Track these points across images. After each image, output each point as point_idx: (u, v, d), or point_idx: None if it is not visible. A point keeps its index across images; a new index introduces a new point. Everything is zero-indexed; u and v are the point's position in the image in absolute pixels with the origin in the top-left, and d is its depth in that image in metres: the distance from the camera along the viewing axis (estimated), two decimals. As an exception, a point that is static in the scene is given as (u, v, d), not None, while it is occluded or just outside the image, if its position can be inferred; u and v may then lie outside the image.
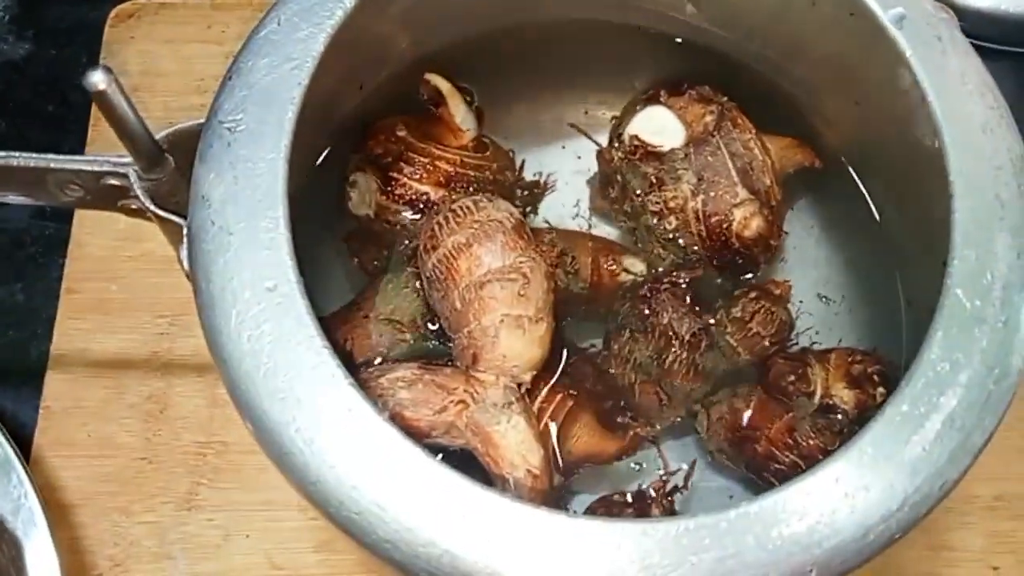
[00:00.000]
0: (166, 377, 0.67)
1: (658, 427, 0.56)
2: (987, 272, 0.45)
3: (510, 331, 0.51)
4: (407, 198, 0.58)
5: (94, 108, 0.74)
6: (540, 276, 0.53)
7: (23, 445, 0.64)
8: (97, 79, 0.45)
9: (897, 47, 0.51)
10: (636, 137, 0.60)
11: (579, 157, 0.65)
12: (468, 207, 0.54)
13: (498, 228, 0.53)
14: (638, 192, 0.59)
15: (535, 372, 0.53)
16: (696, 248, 0.58)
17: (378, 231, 0.59)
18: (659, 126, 0.60)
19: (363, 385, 0.50)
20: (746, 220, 0.56)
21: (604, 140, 0.64)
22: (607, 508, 0.55)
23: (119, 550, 0.63)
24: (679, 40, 0.64)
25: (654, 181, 0.59)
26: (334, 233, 0.61)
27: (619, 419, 0.56)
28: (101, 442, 0.65)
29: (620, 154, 0.61)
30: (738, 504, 0.41)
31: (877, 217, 0.59)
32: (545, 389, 0.54)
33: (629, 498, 0.54)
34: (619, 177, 0.61)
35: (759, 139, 0.59)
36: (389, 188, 0.58)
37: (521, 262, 0.52)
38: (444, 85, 0.62)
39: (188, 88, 0.75)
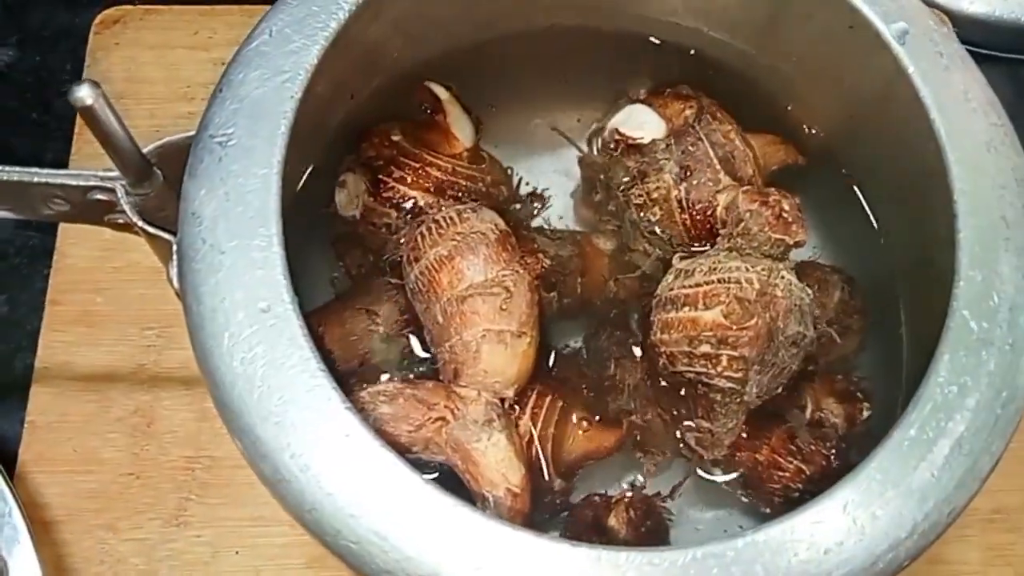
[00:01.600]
0: (153, 391, 0.64)
1: (668, 454, 0.54)
2: (993, 293, 0.44)
3: (492, 346, 0.50)
4: (394, 201, 0.56)
5: (79, 116, 0.71)
6: (523, 289, 0.52)
7: (7, 460, 0.62)
8: (84, 94, 0.43)
9: (899, 63, 0.50)
10: (616, 131, 0.58)
11: (568, 167, 0.63)
12: (451, 218, 0.52)
13: (481, 240, 0.52)
14: (621, 187, 0.58)
15: (518, 387, 0.52)
16: (681, 239, 0.56)
17: (363, 234, 0.57)
18: (639, 122, 0.59)
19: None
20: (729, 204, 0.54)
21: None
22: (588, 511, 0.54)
23: (105, 567, 0.60)
24: (669, 45, 0.63)
25: (636, 174, 0.57)
26: (322, 237, 0.59)
27: (610, 406, 0.55)
28: (86, 457, 0.63)
29: (601, 150, 0.59)
30: (746, 533, 0.40)
31: (878, 231, 0.58)
32: (534, 395, 0.52)
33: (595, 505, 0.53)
34: (601, 176, 0.59)
35: (740, 133, 0.57)
36: (377, 190, 0.57)
37: (504, 276, 0.51)
38: (442, 93, 0.60)
39: (174, 95, 0.72)
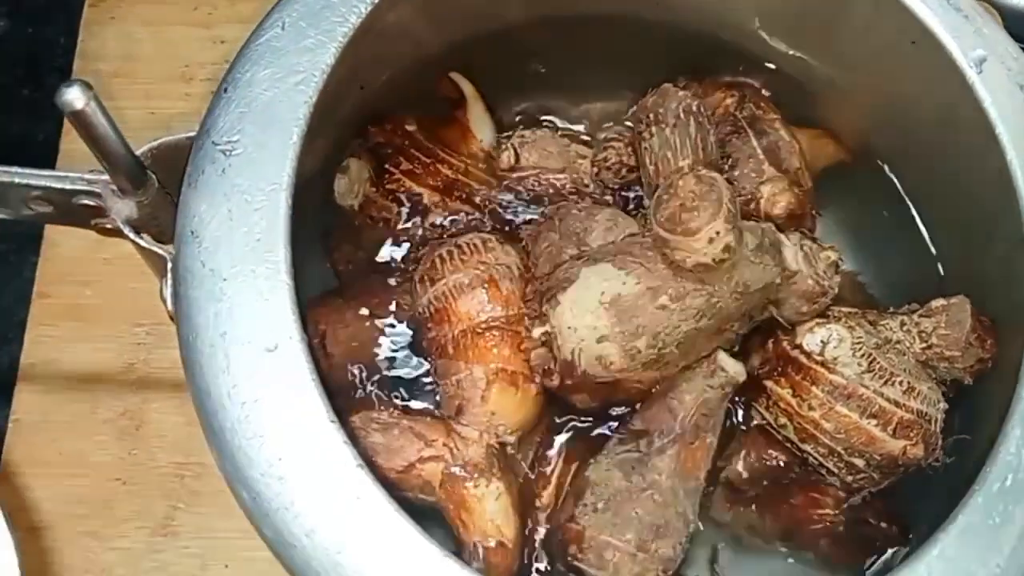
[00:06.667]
0: (142, 391, 0.58)
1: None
2: (1072, 359, 0.39)
3: (503, 387, 0.44)
4: (397, 194, 0.50)
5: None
6: None
7: (-7, 454, 0.56)
8: (73, 96, 0.36)
9: (973, 92, 0.43)
10: None
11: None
12: (476, 245, 0.46)
13: (506, 274, 0.46)
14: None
15: (521, 434, 0.46)
16: None
17: (359, 226, 0.51)
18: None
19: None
20: (774, 196, 0.49)
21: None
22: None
23: (90, 578, 0.55)
24: (719, 43, 0.55)
25: None
26: (321, 226, 0.52)
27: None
28: (73, 460, 0.57)
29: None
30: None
31: (936, 259, 0.52)
32: (560, 460, 0.46)
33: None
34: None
35: (785, 124, 0.52)
36: (381, 180, 0.50)
37: (525, 314, 0.45)
38: (467, 87, 0.54)
39: (171, 75, 0.65)
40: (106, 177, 0.42)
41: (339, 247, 0.52)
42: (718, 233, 0.41)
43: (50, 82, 0.65)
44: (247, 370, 0.37)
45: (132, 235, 0.42)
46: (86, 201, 0.43)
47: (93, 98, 0.37)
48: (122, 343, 0.59)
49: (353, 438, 0.42)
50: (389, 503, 0.35)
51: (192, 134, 0.42)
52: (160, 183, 0.43)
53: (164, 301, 0.41)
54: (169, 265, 0.41)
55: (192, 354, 0.38)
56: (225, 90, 0.42)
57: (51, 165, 0.62)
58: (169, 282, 0.41)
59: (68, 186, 0.42)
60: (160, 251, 0.42)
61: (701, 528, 0.46)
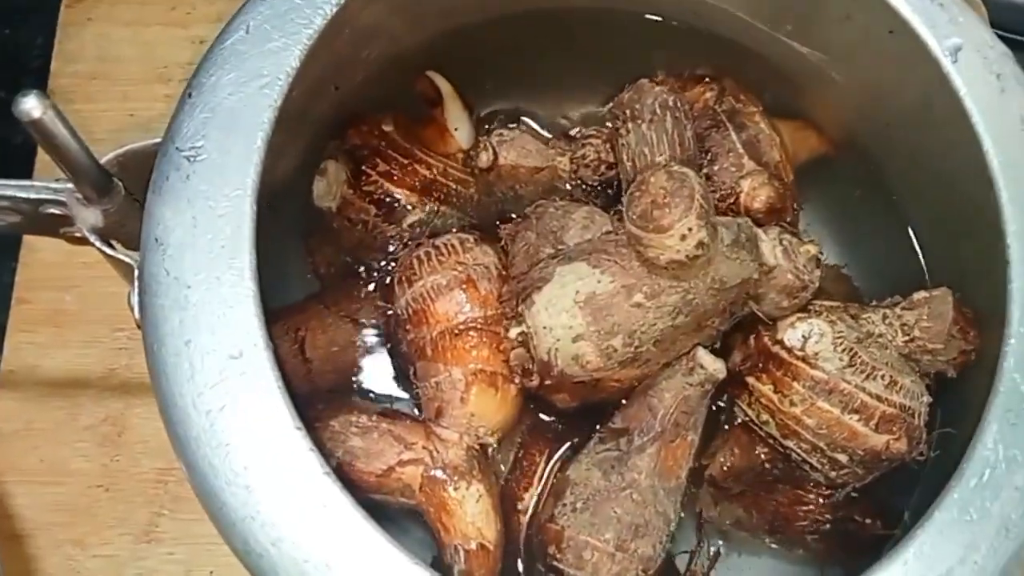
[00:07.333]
0: (124, 397, 0.58)
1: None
2: (1050, 354, 0.38)
3: (482, 388, 0.44)
4: (374, 196, 0.50)
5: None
6: None
7: (-27, 465, 0.56)
8: (30, 106, 0.36)
9: (948, 81, 0.43)
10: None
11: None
12: (453, 245, 0.46)
13: (484, 274, 0.46)
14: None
15: (501, 436, 0.46)
16: None
17: (337, 228, 0.51)
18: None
19: (312, 423, 0.43)
20: (754, 190, 0.48)
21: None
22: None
23: (73, 586, 0.55)
24: (703, 34, 0.55)
25: None
26: (302, 229, 0.53)
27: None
28: (54, 468, 0.57)
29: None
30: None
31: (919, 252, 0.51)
32: (545, 464, 0.46)
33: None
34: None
35: (766, 117, 0.51)
36: (358, 182, 0.50)
37: (504, 315, 0.45)
38: (444, 86, 0.53)
39: (150, 76, 0.65)
40: (71, 185, 0.42)
41: (319, 250, 0.52)
42: (690, 229, 0.40)
43: (27, 84, 0.64)
44: (212, 378, 0.36)
45: (98, 243, 0.42)
46: (53, 210, 0.43)
47: (51, 107, 0.37)
48: (103, 348, 0.59)
49: (323, 444, 0.43)
50: (356, 510, 0.35)
51: (156, 141, 0.42)
52: (128, 190, 0.43)
53: (132, 309, 0.41)
54: (136, 274, 0.40)
55: (157, 363, 0.38)
56: (189, 95, 0.42)
57: (29, 169, 0.62)
58: (136, 291, 0.40)
59: (33, 195, 0.42)
60: (126, 259, 0.42)
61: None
